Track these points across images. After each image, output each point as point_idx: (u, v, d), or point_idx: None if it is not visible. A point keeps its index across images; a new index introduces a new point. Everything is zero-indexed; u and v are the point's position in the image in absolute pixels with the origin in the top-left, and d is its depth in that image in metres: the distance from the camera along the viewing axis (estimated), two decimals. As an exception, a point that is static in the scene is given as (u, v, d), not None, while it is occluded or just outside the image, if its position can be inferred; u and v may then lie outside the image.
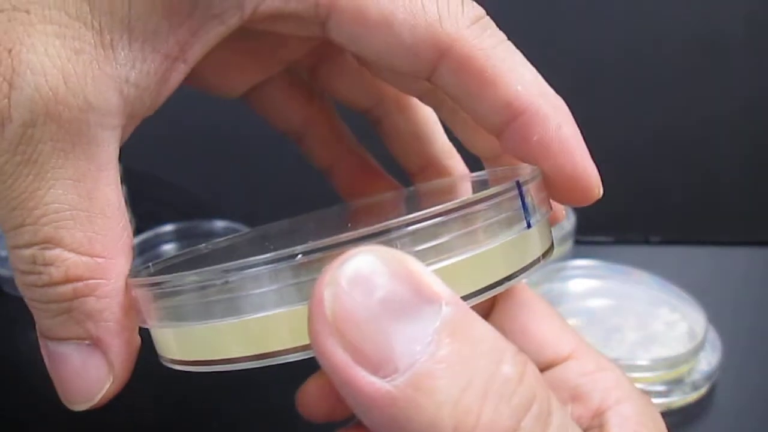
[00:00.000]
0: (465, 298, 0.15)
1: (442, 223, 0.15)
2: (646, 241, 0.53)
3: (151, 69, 0.17)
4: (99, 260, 0.17)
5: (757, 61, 0.51)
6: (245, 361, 0.15)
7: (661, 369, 0.34)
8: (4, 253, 0.45)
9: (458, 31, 0.18)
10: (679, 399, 0.35)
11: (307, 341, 0.14)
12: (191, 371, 0.17)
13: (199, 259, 0.23)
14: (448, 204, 0.15)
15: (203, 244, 0.24)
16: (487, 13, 0.22)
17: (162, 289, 0.16)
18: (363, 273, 0.13)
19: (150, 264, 0.20)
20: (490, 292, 0.16)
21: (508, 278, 0.16)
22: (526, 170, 0.19)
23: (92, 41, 0.16)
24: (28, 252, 0.17)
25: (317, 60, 0.25)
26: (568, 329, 0.21)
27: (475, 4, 0.19)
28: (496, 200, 0.16)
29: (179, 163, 0.57)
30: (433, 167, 0.26)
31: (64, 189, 0.16)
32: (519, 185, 0.17)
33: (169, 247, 0.48)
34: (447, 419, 0.12)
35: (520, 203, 0.17)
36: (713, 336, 0.37)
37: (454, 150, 0.26)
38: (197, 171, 0.56)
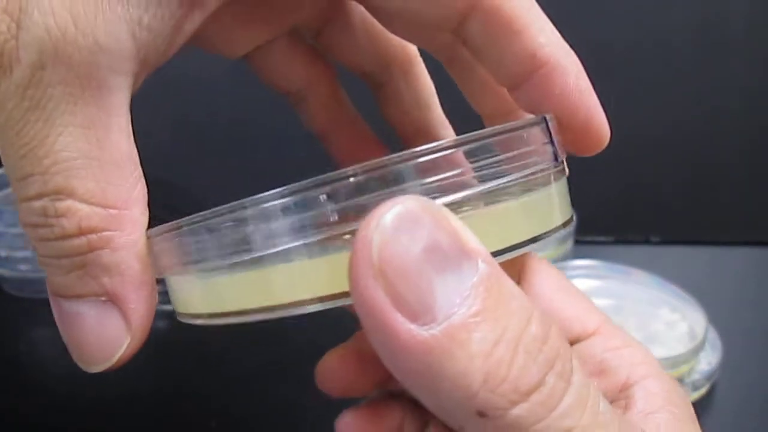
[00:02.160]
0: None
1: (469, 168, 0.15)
2: (646, 241, 0.53)
3: (166, 13, 0.16)
4: (113, 211, 0.16)
5: (757, 61, 0.51)
6: (263, 313, 0.15)
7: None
8: (3, 253, 0.45)
9: None
10: (679, 399, 0.35)
11: (325, 293, 0.14)
12: (209, 324, 0.16)
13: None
14: (473, 134, 0.15)
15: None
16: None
17: (183, 231, 0.16)
18: (410, 220, 0.13)
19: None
20: (513, 252, 0.16)
21: (531, 240, 0.16)
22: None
23: None
24: (38, 204, 0.16)
25: (325, 21, 0.24)
26: (594, 307, 0.21)
27: None
28: (524, 131, 0.16)
29: (184, 167, 0.57)
30: (427, 135, 0.26)
31: (74, 136, 0.16)
32: (545, 119, 0.17)
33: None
34: (478, 371, 0.12)
35: (548, 135, 0.17)
36: (713, 336, 0.37)
37: (447, 121, 0.27)
38: (203, 175, 0.56)
